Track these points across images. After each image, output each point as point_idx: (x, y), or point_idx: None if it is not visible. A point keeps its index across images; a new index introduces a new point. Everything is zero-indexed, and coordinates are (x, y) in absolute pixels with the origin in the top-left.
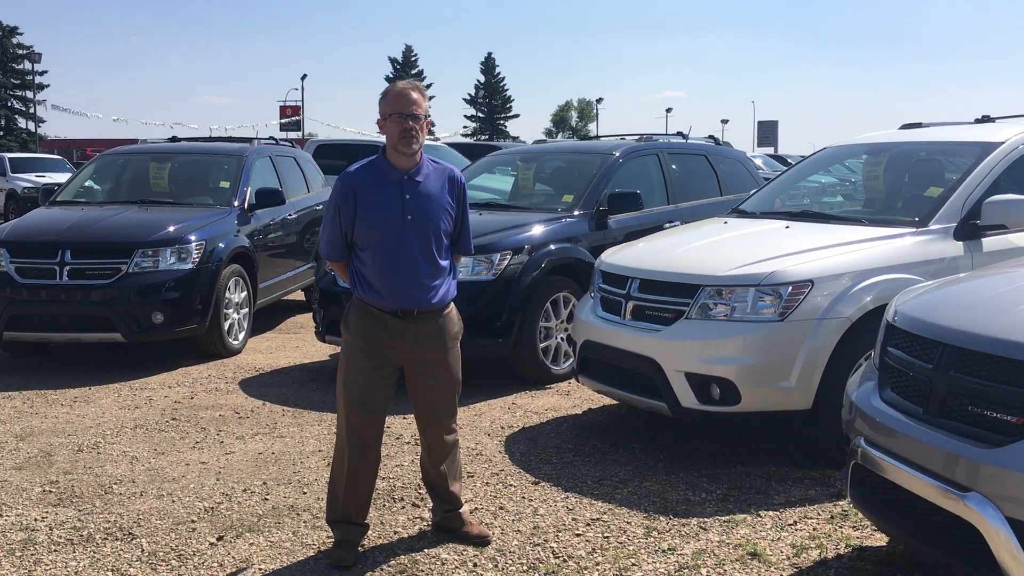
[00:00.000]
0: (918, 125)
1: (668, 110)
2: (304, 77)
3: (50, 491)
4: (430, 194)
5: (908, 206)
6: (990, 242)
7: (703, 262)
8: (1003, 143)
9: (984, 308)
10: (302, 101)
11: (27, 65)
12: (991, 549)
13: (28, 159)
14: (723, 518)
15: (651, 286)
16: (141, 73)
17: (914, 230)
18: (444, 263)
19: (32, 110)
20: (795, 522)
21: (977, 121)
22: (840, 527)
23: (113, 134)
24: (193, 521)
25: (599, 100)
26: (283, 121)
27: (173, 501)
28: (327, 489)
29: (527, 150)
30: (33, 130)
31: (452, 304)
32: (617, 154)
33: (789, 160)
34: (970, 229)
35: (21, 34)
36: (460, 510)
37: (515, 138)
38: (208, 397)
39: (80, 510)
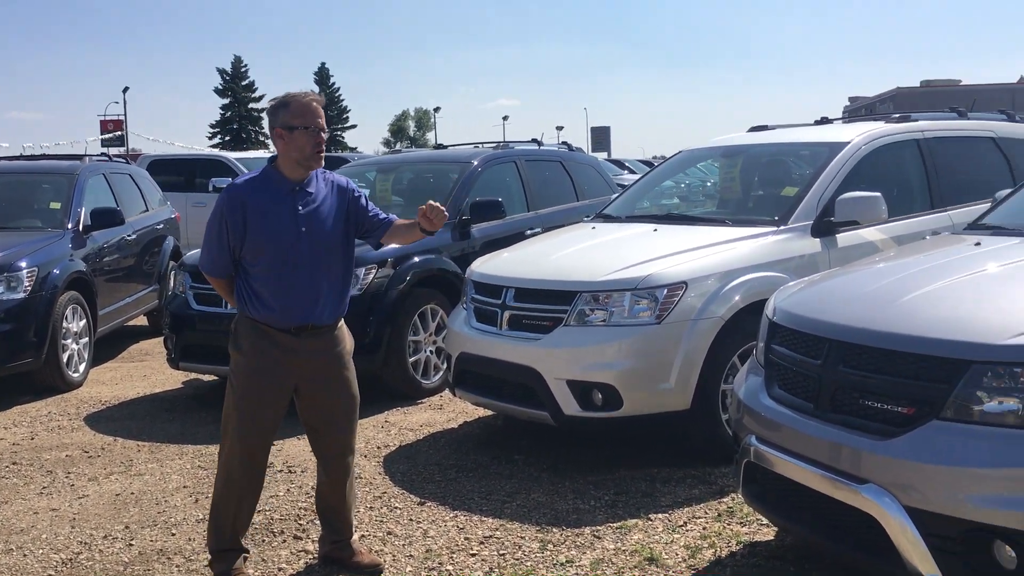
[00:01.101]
0: (765, 127)
1: (505, 118)
2: (126, 90)
3: None
4: (323, 205)
5: (767, 206)
6: (844, 238)
7: (578, 268)
8: (849, 143)
9: (866, 302)
10: (125, 115)
11: None
12: (890, 538)
13: None
14: (615, 525)
15: (527, 295)
16: None
17: (775, 229)
18: (339, 276)
19: None
20: (685, 523)
21: (817, 123)
22: (728, 524)
23: None
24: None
25: (437, 109)
26: (104, 136)
27: (24, 555)
28: (209, 520)
29: (383, 161)
30: None
31: (343, 320)
32: (476, 163)
33: (627, 164)
34: (825, 226)
35: None
36: (351, 540)
37: (353, 149)
38: (51, 436)
39: None
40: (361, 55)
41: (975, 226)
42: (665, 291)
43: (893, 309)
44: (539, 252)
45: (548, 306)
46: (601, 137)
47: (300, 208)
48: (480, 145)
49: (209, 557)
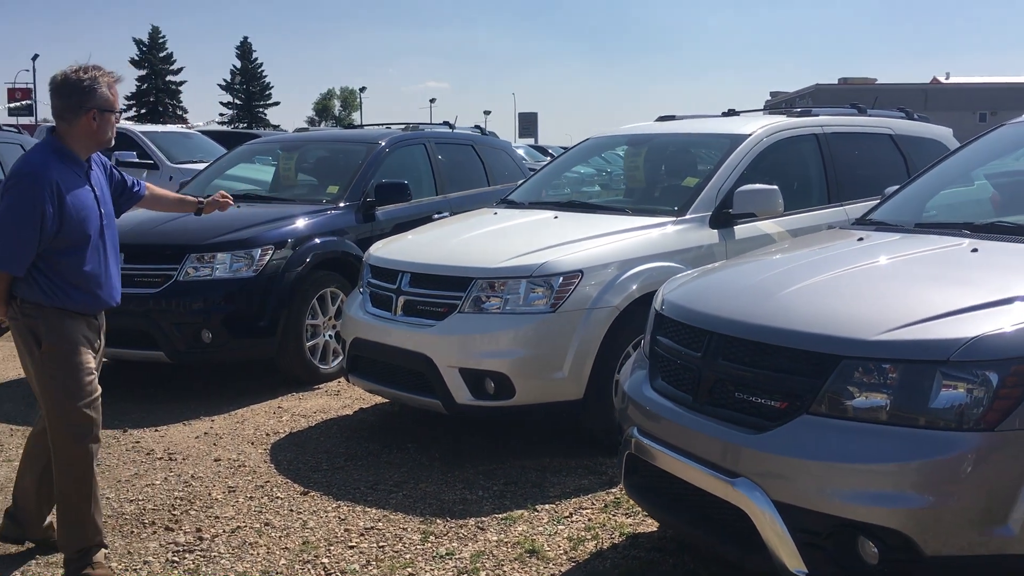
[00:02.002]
0: (672, 117)
1: (432, 100)
2: (36, 58)
3: None
4: (103, 184)
5: (667, 196)
6: (742, 229)
7: (475, 254)
8: (750, 135)
9: (747, 295)
10: (34, 83)
11: None
12: (759, 531)
13: None
14: (500, 516)
15: (422, 280)
16: None
17: (674, 219)
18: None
19: None
20: (571, 514)
21: (724, 114)
22: (613, 515)
23: None
24: None
25: (362, 89)
26: (11, 105)
27: None
28: (64, 518)
29: (289, 138)
30: None
31: None
32: (383, 143)
33: (550, 150)
34: (724, 217)
35: None
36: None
37: (276, 126)
38: None
39: None
40: (287, 30)
41: (861, 221)
42: (561, 279)
43: (771, 303)
44: (438, 237)
45: (443, 292)
46: (528, 123)
47: (96, 191)
48: (391, 126)
49: (67, 557)
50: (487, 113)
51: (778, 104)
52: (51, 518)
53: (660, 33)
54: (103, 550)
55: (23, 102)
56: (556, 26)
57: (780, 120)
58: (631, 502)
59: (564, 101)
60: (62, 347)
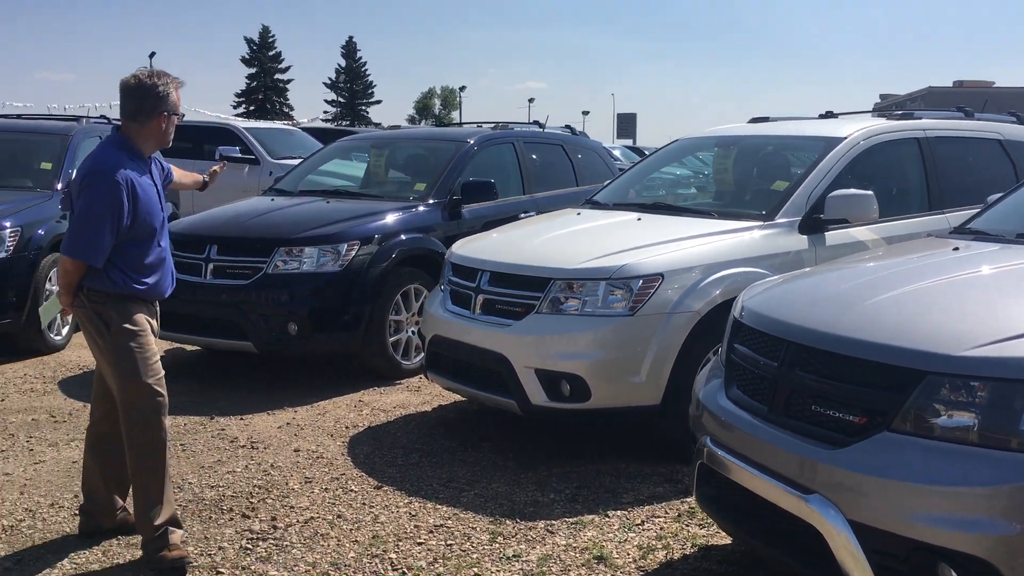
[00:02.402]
0: (766, 119)
1: (530, 100)
2: (152, 55)
3: None
4: (159, 180)
5: (756, 199)
6: (833, 236)
7: (554, 254)
8: (846, 138)
9: (828, 304)
10: None
11: None
12: (832, 551)
13: None
14: (571, 520)
15: (501, 279)
16: None
17: (761, 223)
18: None
19: None
20: (642, 522)
21: (821, 116)
22: (687, 526)
23: None
24: None
25: (462, 88)
26: None
27: None
28: (141, 499)
29: (380, 135)
30: None
31: None
32: (472, 142)
33: (647, 152)
34: (814, 223)
35: None
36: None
37: (377, 124)
38: (21, 399)
39: None
40: (391, 30)
41: (960, 230)
42: (640, 282)
43: (854, 313)
44: (519, 236)
45: (521, 292)
46: (627, 124)
47: (158, 187)
48: (482, 125)
49: (145, 538)
50: (585, 113)
51: (888, 107)
52: (124, 504)
53: (766, 33)
54: (180, 532)
55: None
56: (658, 26)
57: (879, 123)
58: (705, 513)
59: (664, 102)
60: (130, 329)
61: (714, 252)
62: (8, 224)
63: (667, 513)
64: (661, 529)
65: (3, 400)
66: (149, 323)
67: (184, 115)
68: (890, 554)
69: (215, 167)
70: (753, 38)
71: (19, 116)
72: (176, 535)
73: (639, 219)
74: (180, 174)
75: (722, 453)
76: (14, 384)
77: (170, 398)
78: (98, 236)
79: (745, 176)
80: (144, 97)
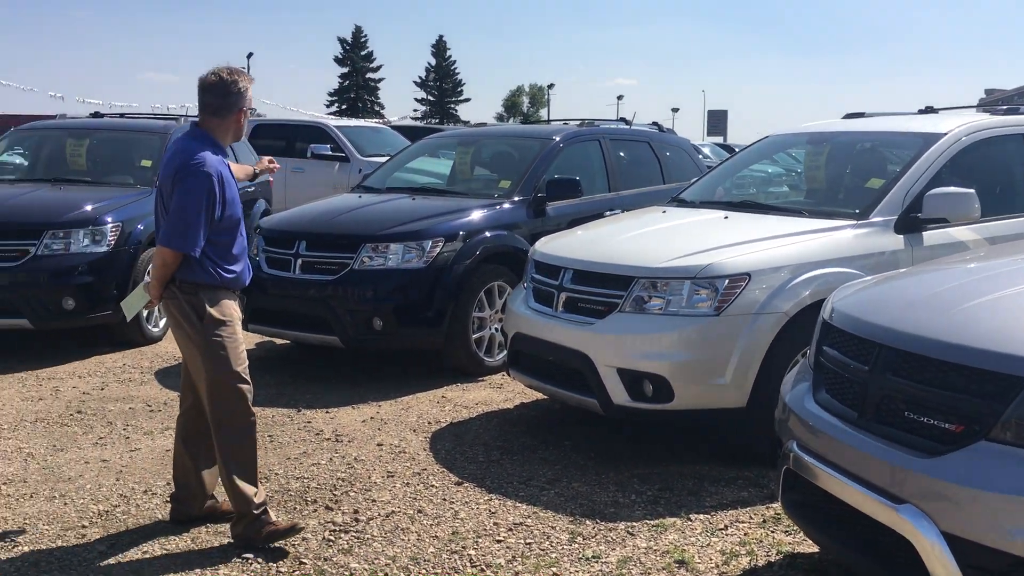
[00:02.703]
0: (861, 115)
1: (619, 97)
2: (250, 56)
3: None
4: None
5: (849, 198)
6: (931, 236)
7: (638, 253)
8: (946, 134)
9: (923, 307)
10: None
11: None
12: (924, 564)
13: None
14: (652, 522)
15: (584, 277)
16: (83, 49)
17: (854, 222)
18: None
19: None
20: (726, 526)
21: (920, 112)
22: (772, 532)
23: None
24: (84, 526)
25: (550, 86)
26: None
27: (65, 504)
28: (235, 483)
29: (466, 133)
30: None
31: None
32: (557, 139)
33: (737, 149)
34: (911, 222)
35: None
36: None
37: (466, 122)
38: (120, 388)
39: None
40: (480, 28)
41: None
42: (726, 282)
43: (951, 316)
44: (603, 234)
45: (604, 290)
46: (717, 121)
47: (233, 177)
48: (568, 122)
49: (241, 521)
50: (675, 110)
51: (993, 102)
52: (212, 493)
53: (863, 27)
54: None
55: None
56: (750, 21)
57: (982, 119)
58: (791, 519)
59: (756, 99)
60: (221, 319)
61: (804, 252)
62: (110, 219)
63: (751, 518)
64: (745, 535)
65: (103, 389)
66: (237, 312)
67: (256, 110)
68: (986, 569)
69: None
70: (849, 30)
71: (121, 115)
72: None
73: (726, 217)
74: (235, 167)
75: (809, 459)
76: (113, 373)
77: (260, 390)
78: (196, 227)
79: (838, 174)
80: (226, 94)
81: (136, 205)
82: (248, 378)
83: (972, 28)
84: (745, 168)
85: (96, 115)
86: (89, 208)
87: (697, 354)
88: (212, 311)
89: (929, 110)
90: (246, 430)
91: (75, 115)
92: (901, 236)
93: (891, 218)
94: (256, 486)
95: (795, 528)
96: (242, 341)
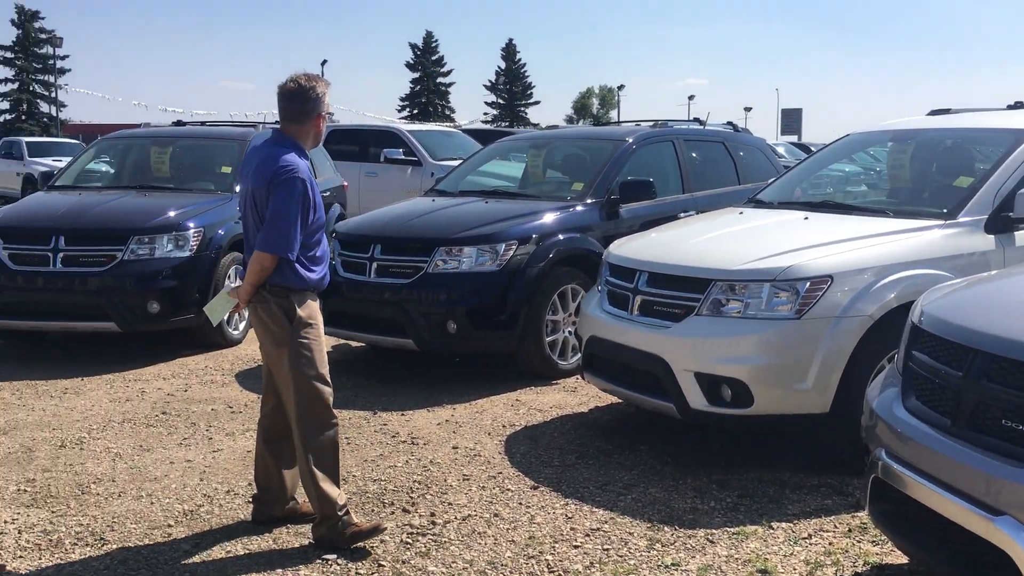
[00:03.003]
0: (947, 111)
1: (690, 97)
2: (324, 63)
3: (25, 490)
4: None
5: (936, 197)
6: None
7: (715, 255)
8: None
9: (1021, 310)
10: None
11: (48, 50)
12: None
13: (45, 143)
14: (732, 530)
15: (660, 280)
16: (164, 59)
17: (942, 222)
18: None
19: (53, 94)
20: (810, 535)
21: (1009, 107)
22: (858, 542)
23: (134, 119)
24: (169, 526)
25: (620, 87)
26: None
27: (152, 503)
28: (317, 485)
29: (538, 136)
30: (54, 115)
31: None
32: (630, 140)
33: (812, 148)
34: (1002, 222)
35: (43, 18)
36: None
37: (535, 125)
38: (202, 390)
39: (53, 512)
40: (549, 31)
41: None
42: (808, 284)
43: None
44: (678, 236)
45: (681, 293)
46: (792, 120)
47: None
48: (640, 123)
49: (324, 523)
50: (748, 110)
51: None
52: (293, 495)
53: (940, 21)
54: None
55: None
56: (824, 17)
57: None
58: (878, 529)
59: (832, 96)
60: (309, 321)
61: (889, 253)
62: (192, 225)
63: (836, 527)
64: (830, 544)
65: (186, 390)
66: (319, 315)
67: (333, 114)
68: None
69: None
70: (925, 24)
71: (202, 123)
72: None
73: (806, 218)
74: None
75: (899, 467)
76: (196, 375)
77: (337, 393)
78: (294, 232)
79: (923, 172)
80: (304, 100)
81: (217, 211)
82: (329, 380)
83: None
84: (824, 167)
85: (178, 123)
86: (173, 214)
87: (778, 358)
88: (301, 313)
89: (1019, 105)
90: (329, 432)
91: (158, 123)
92: (992, 236)
93: (981, 218)
94: (338, 487)
95: (883, 538)
96: (324, 344)
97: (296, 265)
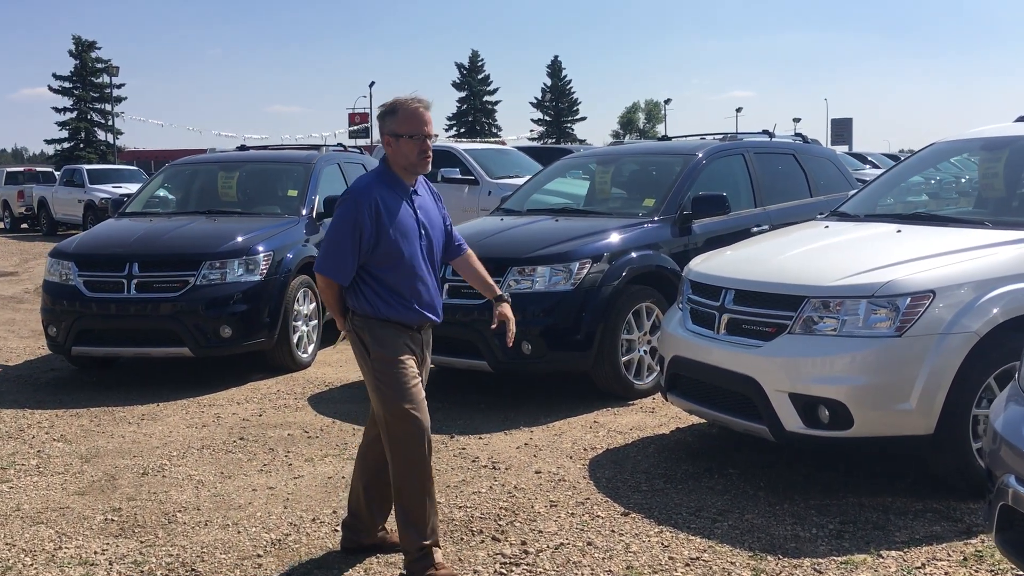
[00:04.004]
0: None
1: (738, 109)
2: (372, 85)
3: (112, 520)
4: (430, 208)
5: None
6: None
7: (807, 270)
8: None
9: None
10: (370, 108)
11: (105, 79)
12: None
13: (105, 170)
14: (839, 559)
15: (748, 297)
16: (216, 85)
17: None
18: (437, 277)
19: (110, 122)
20: (923, 565)
21: None
22: (976, 571)
23: (188, 144)
24: (259, 555)
25: (667, 101)
26: (352, 128)
27: (239, 532)
28: (403, 518)
29: (603, 152)
30: (112, 142)
31: None
32: (700, 155)
33: (870, 158)
34: None
35: (99, 48)
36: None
37: (582, 141)
38: (277, 414)
39: (142, 542)
40: (594, 47)
41: None
42: (908, 300)
43: None
44: (764, 252)
45: (771, 311)
46: (842, 129)
47: (418, 211)
48: (706, 137)
49: (409, 557)
50: (796, 120)
51: None
52: (383, 524)
53: (990, 23)
54: (439, 550)
55: (361, 125)
56: (872, 23)
57: None
58: (997, 557)
59: (882, 104)
60: (385, 356)
61: (991, 266)
62: (262, 249)
63: (950, 556)
64: (946, 574)
65: (261, 415)
66: (409, 348)
67: (431, 136)
68: None
69: (503, 311)
70: (981, 29)
71: (264, 147)
72: (438, 554)
73: (899, 231)
74: (475, 266)
75: None
76: (269, 400)
77: None
78: (340, 255)
79: (1019, 181)
80: (382, 118)
81: (285, 234)
82: (419, 415)
83: None
84: (910, 177)
85: (242, 148)
86: (242, 239)
87: (878, 378)
88: (376, 346)
89: None
90: (417, 466)
91: (214, 148)
92: None
93: None
94: (424, 524)
95: (1001, 567)
96: (411, 377)
97: (368, 292)
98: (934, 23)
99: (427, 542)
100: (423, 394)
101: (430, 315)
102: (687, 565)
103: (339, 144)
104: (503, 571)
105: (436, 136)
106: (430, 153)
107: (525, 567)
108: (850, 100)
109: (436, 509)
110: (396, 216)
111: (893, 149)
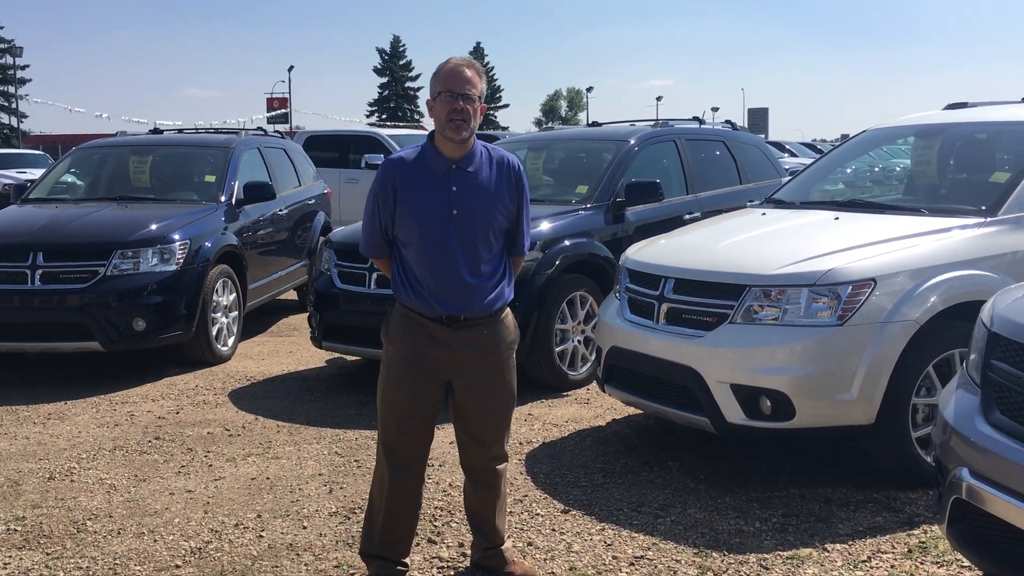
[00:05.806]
0: (963, 105)
1: (658, 98)
2: (291, 69)
3: (16, 530)
4: (481, 186)
5: (970, 193)
6: None
7: (748, 259)
8: None
9: None
10: (289, 93)
11: (8, 59)
12: None
13: (9, 155)
14: (785, 553)
15: (689, 286)
16: (125, 67)
17: (982, 220)
18: (494, 263)
19: (14, 105)
20: (868, 558)
21: None
22: (921, 563)
23: (97, 129)
24: (177, 566)
25: (589, 89)
26: (270, 114)
27: (155, 540)
28: (364, 517)
29: (535, 138)
30: (15, 126)
31: (508, 309)
32: (633, 141)
33: (787, 146)
34: None
35: (1, 28)
36: (502, 547)
37: (505, 128)
38: (195, 412)
39: (48, 554)
40: (516, 34)
41: None
42: (850, 288)
43: None
44: (703, 240)
45: (712, 300)
46: (758, 119)
47: (454, 188)
48: (636, 123)
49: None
50: (715, 109)
51: None
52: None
53: (900, 15)
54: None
55: (280, 111)
56: (787, 15)
57: None
58: (942, 547)
59: (795, 95)
60: (390, 341)
61: (929, 253)
62: (178, 237)
63: (895, 548)
64: (892, 567)
65: (178, 412)
66: (422, 344)
67: (474, 97)
68: None
69: None
70: (891, 21)
71: (179, 131)
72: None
73: (836, 218)
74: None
75: (988, 488)
76: (187, 396)
77: (338, 411)
78: (366, 226)
79: (953, 168)
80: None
81: (202, 222)
82: (393, 425)
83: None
84: (843, 164)
85: (155, 131)
86: (156, 227)
87: (821, 368)
88: (386, 335)
89: None
90: (379, 480)
91: (124, 132)
92: None
93: (1022, 215)
94: (374, 533)
95: (947, 558)
96: (401, 378)
97: (395, 271)
98: (852, 17)
99: (362, 548)
100: (416, 406)
101: (449, 308)
102: (631, 564)
103: (259, 128)
104: (441, 572)
105: (482, 107)
106: (467, 117)
107: (464, 572)
108: (765, 90)
109: (401, 526)
110: (417, 191)
111: (806, 138)
